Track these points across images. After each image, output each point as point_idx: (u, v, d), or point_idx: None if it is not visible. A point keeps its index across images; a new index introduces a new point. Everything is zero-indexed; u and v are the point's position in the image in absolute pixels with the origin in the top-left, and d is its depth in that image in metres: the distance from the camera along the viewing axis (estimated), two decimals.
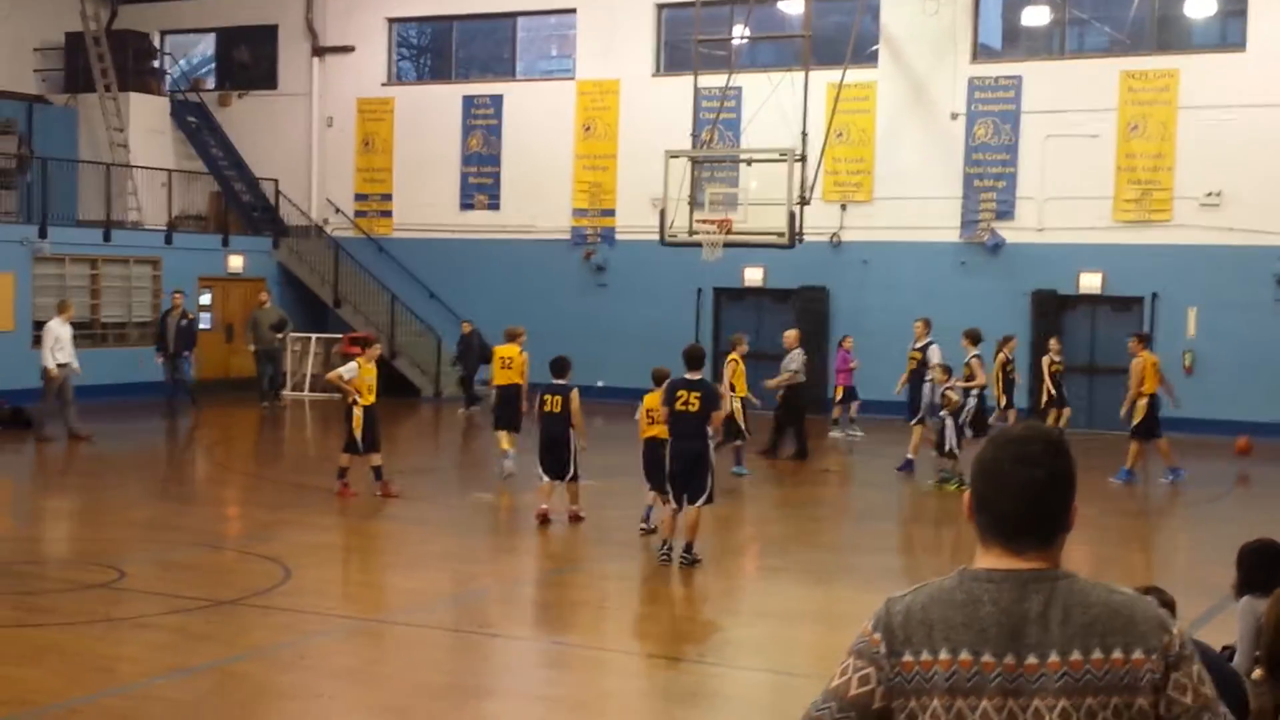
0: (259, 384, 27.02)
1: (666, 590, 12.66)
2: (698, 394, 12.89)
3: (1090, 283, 25.01)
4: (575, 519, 14.89)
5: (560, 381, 14.97)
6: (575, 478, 14.93)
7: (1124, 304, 25.01)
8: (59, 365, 21.35)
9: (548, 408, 14.81)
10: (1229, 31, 25.18)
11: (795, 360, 20.43)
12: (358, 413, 15.77)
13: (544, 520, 14.76)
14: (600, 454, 21.71)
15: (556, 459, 14.83)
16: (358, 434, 15.80)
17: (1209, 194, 24.05)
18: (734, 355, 18.66)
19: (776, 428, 20.56)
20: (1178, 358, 24.36)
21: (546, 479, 14.86)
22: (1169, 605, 6.30)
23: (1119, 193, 24.78)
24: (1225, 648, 7.51)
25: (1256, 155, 23.64)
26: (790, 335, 21.06)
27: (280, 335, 27.32)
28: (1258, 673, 7.30)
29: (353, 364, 16.01)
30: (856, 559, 14.31)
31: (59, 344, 21.44)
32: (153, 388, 25.62)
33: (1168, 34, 25.35)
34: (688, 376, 13.13)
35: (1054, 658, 2.87)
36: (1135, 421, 18.75)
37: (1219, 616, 10.77)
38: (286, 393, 28.43)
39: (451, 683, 9.72)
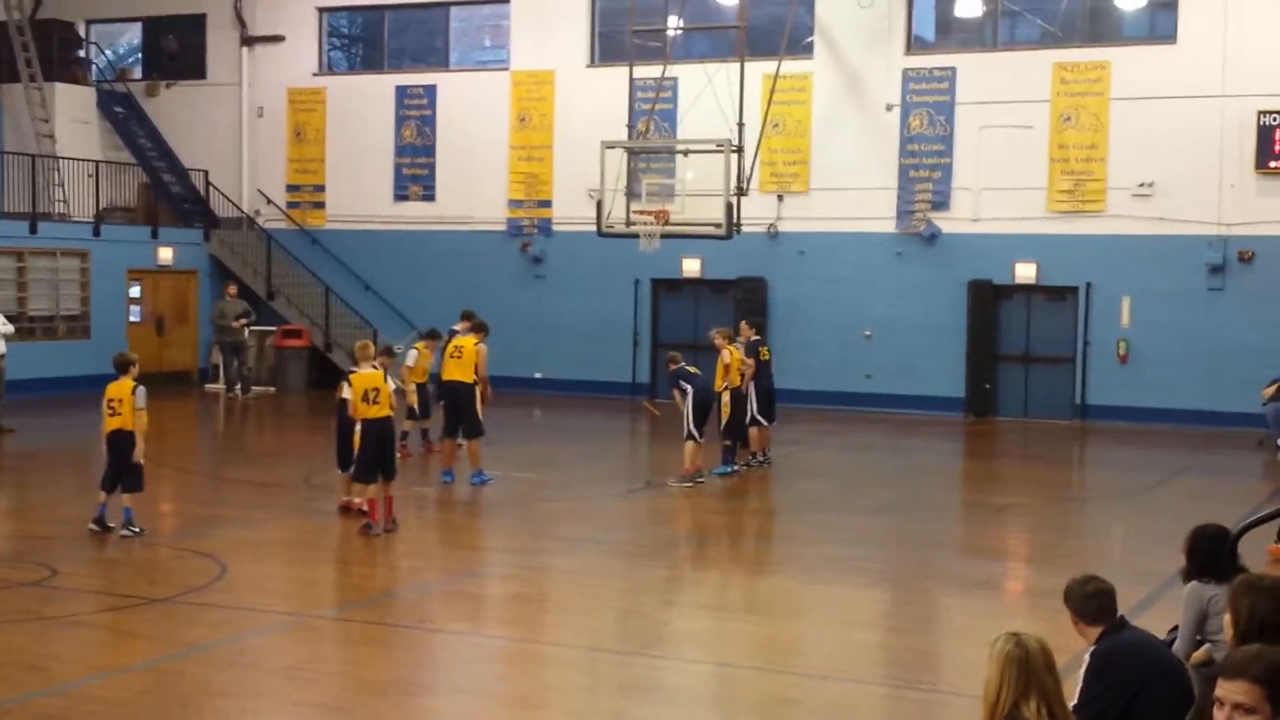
0: (225, 374, 27.96)
1: (606, 583, 12.59)
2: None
3: (1025, 272, 25.16)
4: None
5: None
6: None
7: (1059, 293, 25.19)
8: None
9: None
10: (1159, 24, 25.40)
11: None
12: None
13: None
14: (543, 446, 21.70)
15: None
16: None
17: (1141, 184, 24.26)
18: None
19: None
20: (1112, 347, 24.63)
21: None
22: (1108, 593, 6.28)
23: (1053, 183, 24.95)
24: (1172, 630, 7.51)
25: (1187, 146, 23.88)
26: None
27: (243, 324, 27.62)
28: (1198, 654, 7.34)
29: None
30: (800, 550, 14.31)
31: None
32: (82, 381, 25.19)
33: (1099, 26, 25.54)
34: None
35: None
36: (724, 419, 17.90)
37: (1157, 604, 10.85)
38: (214, 386, 28.19)
39: (392, 679, 9.59)
